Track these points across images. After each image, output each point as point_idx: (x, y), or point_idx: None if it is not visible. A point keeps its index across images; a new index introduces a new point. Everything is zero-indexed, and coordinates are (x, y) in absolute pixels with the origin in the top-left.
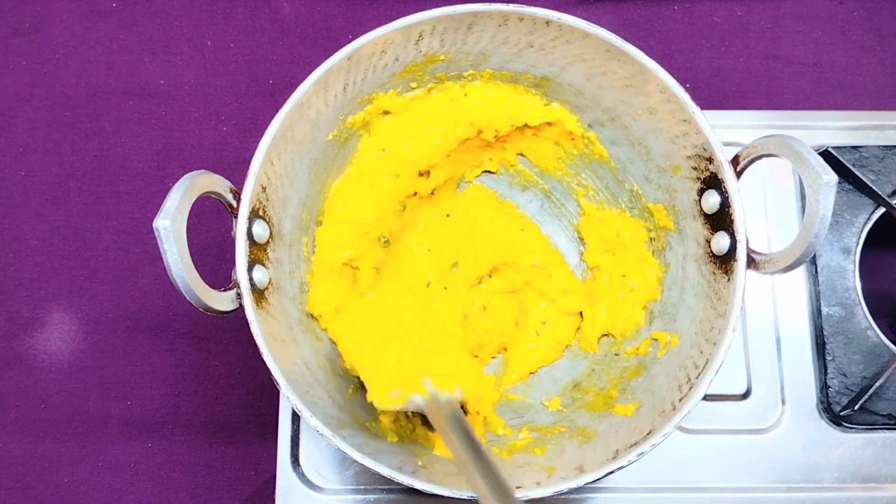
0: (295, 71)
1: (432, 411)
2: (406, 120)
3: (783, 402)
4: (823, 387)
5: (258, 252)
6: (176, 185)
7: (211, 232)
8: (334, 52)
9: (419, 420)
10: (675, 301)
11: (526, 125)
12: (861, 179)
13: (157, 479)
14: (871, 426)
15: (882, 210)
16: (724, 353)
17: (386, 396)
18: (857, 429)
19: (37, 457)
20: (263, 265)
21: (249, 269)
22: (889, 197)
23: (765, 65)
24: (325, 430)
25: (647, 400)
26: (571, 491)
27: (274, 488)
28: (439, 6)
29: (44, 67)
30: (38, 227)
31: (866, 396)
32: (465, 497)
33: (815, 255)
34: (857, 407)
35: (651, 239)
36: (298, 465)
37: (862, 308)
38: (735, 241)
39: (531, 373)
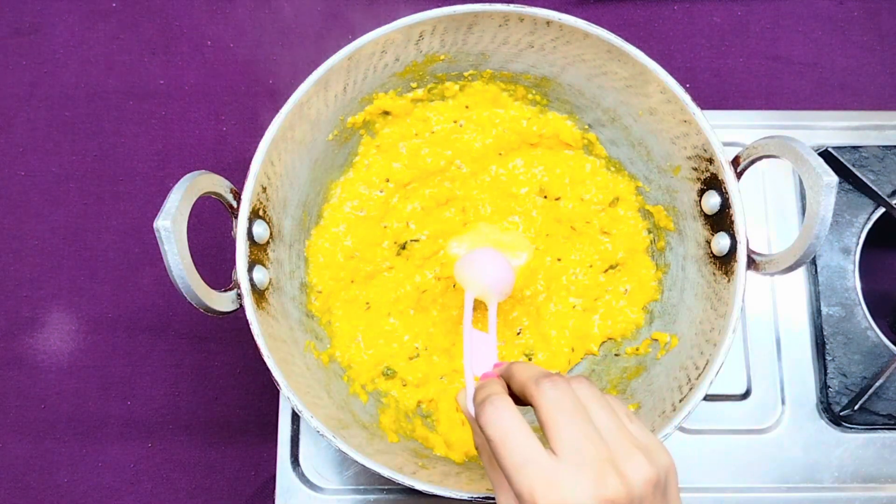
0: (295, 71)
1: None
2: (409, 153)
3: (783, 402)
4: (823, 387)
5: (258, 252)
6: (176, 185)
7: (211, 232)
8: (334, 52)
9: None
10: (675, 302)
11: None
12: (861, 179)
13: (157, 479)
14: (871, 426)
15: (882, 210)
16: (724, 353)
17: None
18: (857, 429)
19: (37, 457)
20: (264, 265)
21: (250, 270)
22: (889, 197)
23: (765, 65)
24: (325, 431)
25: (648, 400)
26: None
27: (274, 488)
28: (439, 6)
29: (44, 67)
30: (38, 227)
31: (866, 396)
32: (464, 497)
33: (814, 256)
34: (857, 407)
35: (651, 241)
36: (298, 465)
37: (862, 308)
38: (735, 241)
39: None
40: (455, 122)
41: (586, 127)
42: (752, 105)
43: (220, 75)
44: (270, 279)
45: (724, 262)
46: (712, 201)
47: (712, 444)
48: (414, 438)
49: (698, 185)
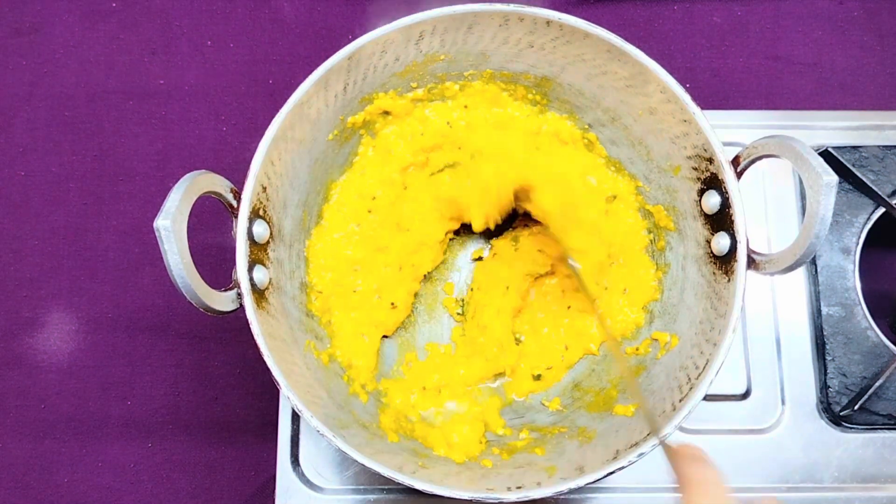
0: (295, 71)
1: None
2: (405, 152)
3: (783, 402)
4: (823, 387)
5: (258, 252)
6: (176, 185)
7: (211, 232)
8: (334, 52)
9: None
10: (675, 301)
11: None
12: (861, 179)
13: (157, 479)
14: (871, 426)
15: (882, 210)
16: (724, 353)
17: None
18: (857, 429)
19: (37, 457)
20: (264, 265)
21: (250, 270)
22: (889, 197)
23: (765, 65)
24: (325, 430)
25: (648, 400)
26: (572, 491)
27: (274, 488)
28: (439, 6)
29: (44, 67)
30: (38, 227)
31: (866, 396)
32: (464, 497)
33: (814, 255)
34: (856, 407)
35: (651, 241)
36: (298, 465)
37: (862, 308)
38: (735, 241)
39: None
40: (446, 125)
41: (586, 127)
42: (752, 105)
43: (220, 75)
44: (270, 279)
45: (724, 262)
46: (712, 201)
47: (712, 444)
48: (414, 438)
49: (698, 185)
